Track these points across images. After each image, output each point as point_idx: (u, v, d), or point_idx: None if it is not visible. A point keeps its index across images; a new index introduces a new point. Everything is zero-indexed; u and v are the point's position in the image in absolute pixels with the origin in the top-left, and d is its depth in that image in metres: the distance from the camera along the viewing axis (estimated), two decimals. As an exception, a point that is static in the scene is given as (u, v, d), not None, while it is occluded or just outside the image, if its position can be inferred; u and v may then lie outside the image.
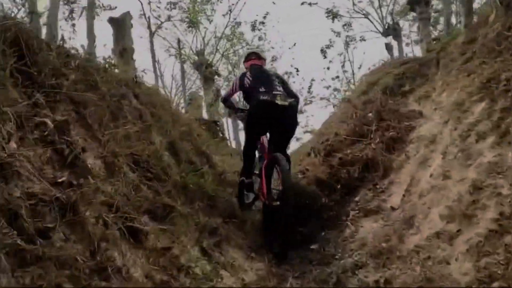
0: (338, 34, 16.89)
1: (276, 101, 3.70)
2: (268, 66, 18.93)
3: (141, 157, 3.23)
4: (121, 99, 3.65)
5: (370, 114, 5.36)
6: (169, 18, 14.29)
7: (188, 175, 3.76)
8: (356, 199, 4.10)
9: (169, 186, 3.29)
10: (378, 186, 4.11)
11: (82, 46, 5.84)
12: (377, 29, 14.58)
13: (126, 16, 8.39)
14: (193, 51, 15.93)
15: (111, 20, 8.20)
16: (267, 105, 3.75)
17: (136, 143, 3.32)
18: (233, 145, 16.97)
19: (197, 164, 4.54)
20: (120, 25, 8.23)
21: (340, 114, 6.86)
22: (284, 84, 4.13)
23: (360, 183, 4.24)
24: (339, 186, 4.28)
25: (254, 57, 4.30)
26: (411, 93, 5.92)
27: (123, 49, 8.07)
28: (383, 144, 4.54)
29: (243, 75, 4.15)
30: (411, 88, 6.04)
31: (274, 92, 3.79)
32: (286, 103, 3.74)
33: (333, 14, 15.08)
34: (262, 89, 3.81)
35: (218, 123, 9.86)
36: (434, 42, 8.59)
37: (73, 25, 10.57)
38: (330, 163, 4.74)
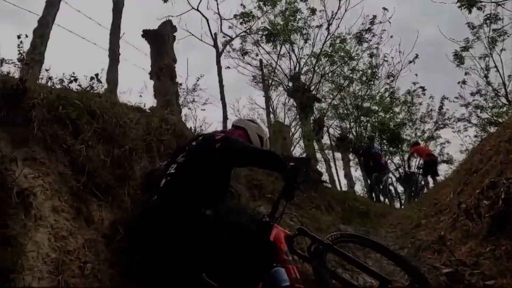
0: (477, 28, 12.62)
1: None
2: (383, 86, 14.87)
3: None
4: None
5: None
6: (236, 35, 11.98)
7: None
8: None
9: None
10: None
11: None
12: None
13: (166, 27, 6.36)
14: (286, 76, 13.51)
15: (147, 34, 6.23)
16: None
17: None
18: (343, 184, 13.59)
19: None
20: (158, 40, 6.20)
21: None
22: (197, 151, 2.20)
23: None
24: None
25: None
26: None
27: (159, 69, 5.95)
28: None
29: None
30: None
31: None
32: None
33: (469, 2, 10.95)
34: None
35: (309, 160, 7.15)
36: None
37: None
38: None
